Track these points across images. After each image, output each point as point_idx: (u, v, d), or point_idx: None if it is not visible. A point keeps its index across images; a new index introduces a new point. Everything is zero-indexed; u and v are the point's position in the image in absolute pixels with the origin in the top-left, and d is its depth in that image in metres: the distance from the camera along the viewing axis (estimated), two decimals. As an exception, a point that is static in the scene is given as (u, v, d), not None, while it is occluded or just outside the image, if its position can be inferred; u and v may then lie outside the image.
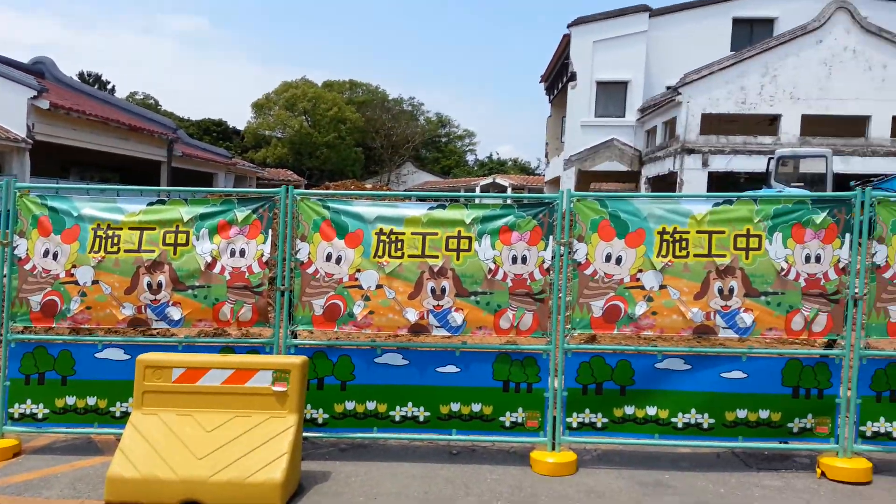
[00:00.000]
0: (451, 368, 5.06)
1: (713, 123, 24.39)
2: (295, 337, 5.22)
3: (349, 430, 5.12)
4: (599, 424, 5.01)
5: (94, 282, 5.09)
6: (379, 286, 4.97)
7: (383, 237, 4.97)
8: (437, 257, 4.93)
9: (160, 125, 28.55)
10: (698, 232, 4.85)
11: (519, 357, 5.03)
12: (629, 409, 4.99)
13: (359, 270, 4.99)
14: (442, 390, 5.06)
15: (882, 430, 4.92)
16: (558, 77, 33.86)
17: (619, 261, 4.90)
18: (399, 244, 4.96)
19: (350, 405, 5.12)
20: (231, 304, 5.13)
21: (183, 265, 5.10)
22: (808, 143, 22.44)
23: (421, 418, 5.09)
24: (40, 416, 5.20)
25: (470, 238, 4.93)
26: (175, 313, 5.14)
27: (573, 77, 29.21)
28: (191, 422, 4.40)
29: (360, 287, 5.00)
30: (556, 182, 31.97)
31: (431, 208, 5.01)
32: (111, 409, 5.18)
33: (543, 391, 5.01)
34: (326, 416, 5.13)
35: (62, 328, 5.36)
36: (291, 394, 4.44)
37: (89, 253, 5.09)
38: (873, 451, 4.95)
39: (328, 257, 5.04)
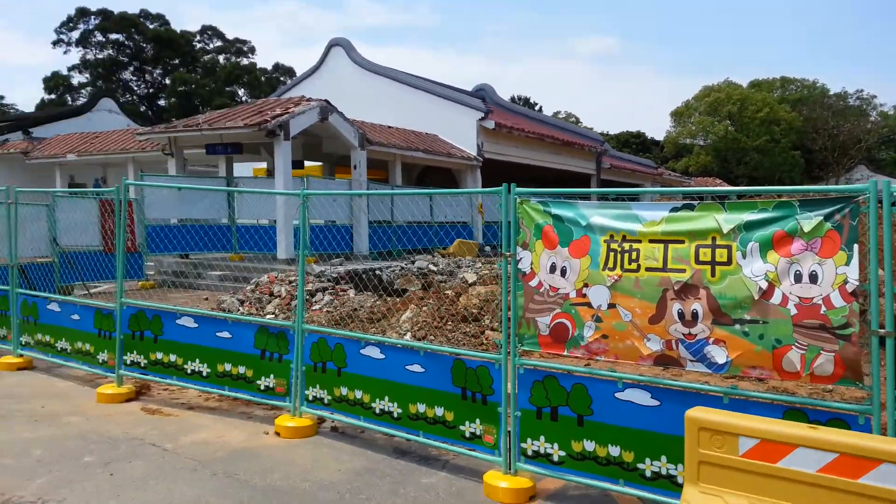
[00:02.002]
0: None
1: None
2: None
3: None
4: None
5: (611, 305, 4.20)
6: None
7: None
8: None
9: (589, 139, 29.14)
10: None
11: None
12: None
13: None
14: None
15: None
16: None
17: None
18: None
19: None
20: (801, 350, 3.68)
21: (725, 291, 3.86)
22: None
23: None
24: (556, 458, 4.48)
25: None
26: (718, 354, 3.91)
27: None
28: (776, 521, 3.03)
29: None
30: None
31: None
32: (639, 465, 4.17)
33: None
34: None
35: (575, 357, 4.61)
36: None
37: (603, 270, 4.21)
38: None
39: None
